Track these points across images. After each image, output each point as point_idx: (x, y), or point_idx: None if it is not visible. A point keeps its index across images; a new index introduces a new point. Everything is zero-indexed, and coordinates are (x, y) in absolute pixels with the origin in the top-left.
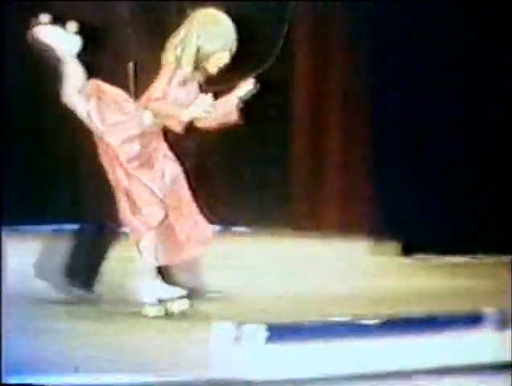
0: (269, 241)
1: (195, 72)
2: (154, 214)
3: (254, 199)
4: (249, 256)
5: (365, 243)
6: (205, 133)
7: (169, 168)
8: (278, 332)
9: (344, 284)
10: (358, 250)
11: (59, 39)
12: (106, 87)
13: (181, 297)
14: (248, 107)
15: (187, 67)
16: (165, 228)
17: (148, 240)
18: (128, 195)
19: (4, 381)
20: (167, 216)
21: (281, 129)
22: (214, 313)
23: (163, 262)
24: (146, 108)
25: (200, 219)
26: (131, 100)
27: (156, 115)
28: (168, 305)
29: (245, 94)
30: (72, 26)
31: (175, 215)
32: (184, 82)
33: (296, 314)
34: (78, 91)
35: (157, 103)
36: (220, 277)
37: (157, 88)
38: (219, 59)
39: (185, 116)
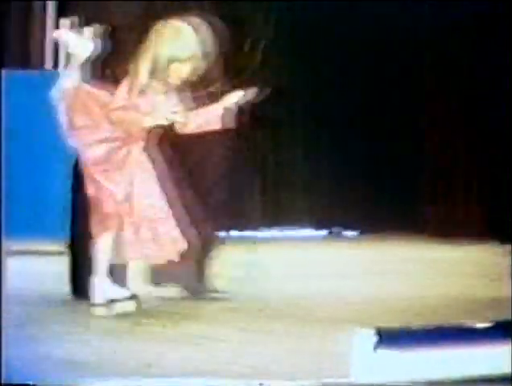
0: (396, 245)
1: (156, 82)
2: (110, 216)
3: (387, 202)
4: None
5: (494, 246)
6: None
7: (140, 174)
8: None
9: (475, 288)
10: (487, 253)
11: (72, 43)
12: (86, 90)
13: (128, 299)
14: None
15: (142, 77)
16: (147, 229)
17: (103, 240)
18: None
19: (4, 381)
20: (122, 218)
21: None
22: (353, 317)
23: (147, 262)
24: (108, 117)
25: (180, 222)
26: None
27: (120, 123)
28: (115, 305)
29: (236, 102)
30: (89, 31)
31: (153, 218)
32: (143, 91)
33: (426, 319)
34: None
35: (118, 111)
36: (358, 283)
37: (118, 97)
38: (177, 70)
39: (147, 122)
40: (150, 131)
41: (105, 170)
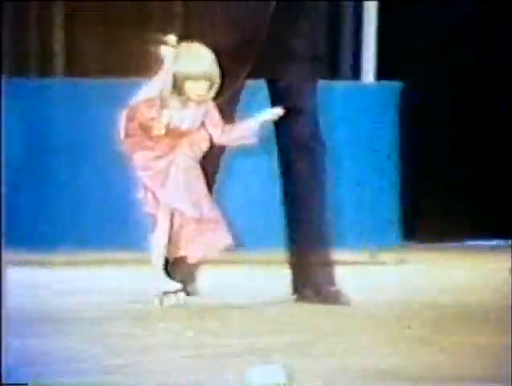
0: None
1: (178, 97)
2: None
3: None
4: None
5: None
6: None
7: (182, 180)
8: None
9: None
10: None
11: (167, 58)
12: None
13: (180, 291)
14: None
15: (166, 93)
16: (193, 228)
17: (156, 236)
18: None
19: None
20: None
21: None
22: None
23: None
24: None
25: (220, 228)
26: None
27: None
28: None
29: (266, 121)
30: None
31: (199, 217)
32: (165, 105)
33: None
34: None
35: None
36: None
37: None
38: (193, 88)
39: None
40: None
41: (152, 175)
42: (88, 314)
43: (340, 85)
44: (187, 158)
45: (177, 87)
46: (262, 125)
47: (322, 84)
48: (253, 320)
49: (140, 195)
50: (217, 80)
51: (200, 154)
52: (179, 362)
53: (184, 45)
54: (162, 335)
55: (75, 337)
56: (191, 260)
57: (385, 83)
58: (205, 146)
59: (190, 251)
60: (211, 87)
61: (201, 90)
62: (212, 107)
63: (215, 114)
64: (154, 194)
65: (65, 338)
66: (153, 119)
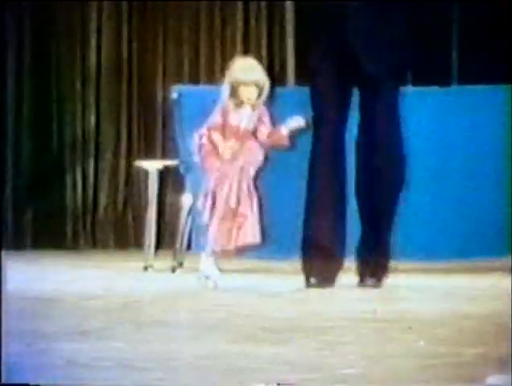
0: None
1: (234, 100)
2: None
3: None
4: None
5: None
6: None
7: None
8: None
9: None
10: None
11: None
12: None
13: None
14: None
15: (224, 96)
16: (231, 223)
17: (211, 229)
18: None
19: (4, 381)
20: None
21: None
22: None
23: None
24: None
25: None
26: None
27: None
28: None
29: (294, 128)
30: None
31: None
32: (226, 110)
33: None
34: None
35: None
36: None
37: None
38: (246, 91)
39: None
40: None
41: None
42: None
43: (436, 90)
44: (246, 166)
45: (232, 92)
46: (292, 131)
47: (425, 89)
48: None
49: (200, 202)
50: (266, 87)
51: (255, 163)
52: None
53: (239, 58)
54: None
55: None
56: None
57: (487, 86)
58: (260, 155)
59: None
60: (260, 93)
61: (251, 94)
62: (264, 110)
63: (266, 117)
64: (214, 196)
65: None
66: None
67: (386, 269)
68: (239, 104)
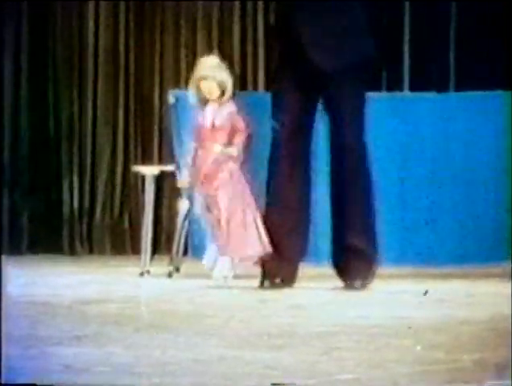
0: None
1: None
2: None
3: None
4: None
5: None
6: None
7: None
8: None
9: None
10: None
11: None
12: None
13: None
14: None
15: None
16: (238, 233)
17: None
18: None
19: (4, 381)
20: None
21: None
22: None
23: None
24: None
25: (253, 237)
26: None
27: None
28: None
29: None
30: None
31: (244, 224)
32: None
33: None
34: None
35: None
36: None
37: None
38: (207, 87)
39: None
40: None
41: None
42: None
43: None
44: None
45: (197, 90)
46: None
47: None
48: None
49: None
50: (229, 85)
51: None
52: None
53: (203, 58)
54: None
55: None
56: None
57: (484, 92)
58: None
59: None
60: (223, 90)
61: (212, 90)
62: (232, 107)
63: (236, 114)
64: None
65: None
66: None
67: (369, 271)
68: (204, 102)
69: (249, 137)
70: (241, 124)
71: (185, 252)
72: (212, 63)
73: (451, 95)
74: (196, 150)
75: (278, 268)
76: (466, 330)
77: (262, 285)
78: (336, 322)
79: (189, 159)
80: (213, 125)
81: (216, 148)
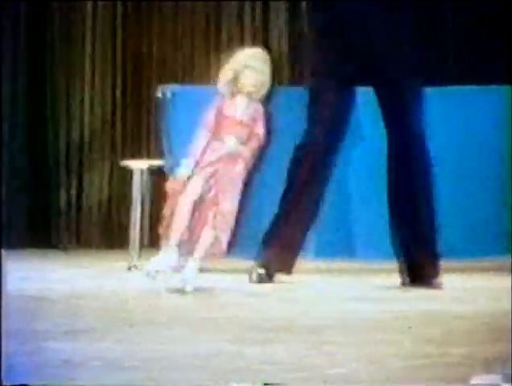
0: None
1: (235, 89)
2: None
3: None
4: None
5: None
6: None
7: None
8: None
9: None
10: None
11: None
12: None
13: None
14: None
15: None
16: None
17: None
18: None
19: (4, 381)
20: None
21: None
22: None
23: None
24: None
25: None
26: None
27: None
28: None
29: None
30: None
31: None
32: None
33: None
34: None
35: None
36: None
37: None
38: (251, 78)
39: None
40: None
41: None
42: None
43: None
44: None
45: (234, 79)
46: None
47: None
48: None
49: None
50: (267, 83)
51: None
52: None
53: (248, 47)
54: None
55: None
56: None
57: (492, 86)
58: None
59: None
60: (261, 86)
61: (256, 82)
62: (260, 108)
63: (260, 117)
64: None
65: None
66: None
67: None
68: (236, 92)
69: (261, 146)
70: (260, 129)
71: None
72: (262, 55)
73: (449, 89)
74: (207, 141)
75: (277, 261)
76: (460, 324)
77: (255, 278)
78: (326, 316)
79: (197, 150)
80: (237, 119)
81: (231, 141)
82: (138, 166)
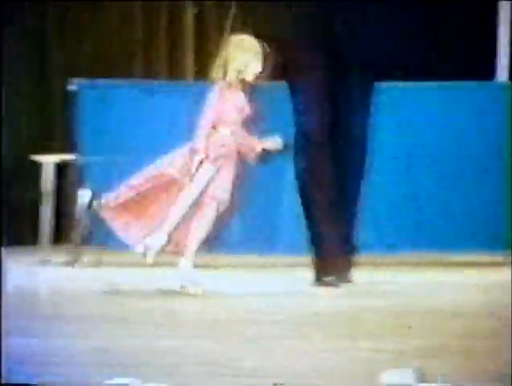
0: None
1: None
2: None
3: None
4: None
5: None
6: None
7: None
8: None
9: None
10: None
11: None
12: None
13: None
14: None
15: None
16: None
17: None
18: None
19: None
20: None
21: None
22: None
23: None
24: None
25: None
26: None
27: None
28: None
29: (270, 149)
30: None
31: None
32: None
33: None
34: None
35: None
36: None
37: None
38: (255, 66)
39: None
40: None
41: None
42: None
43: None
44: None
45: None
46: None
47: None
48: None
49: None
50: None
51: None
52: None
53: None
54: None
55: None
56: None
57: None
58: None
59: None
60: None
61: (258, 70)
62: (250, 99)
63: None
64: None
65: None
66: None
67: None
68: (230, 82)
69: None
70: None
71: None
72: (257, 44)
73: (448, 85)
74: (207, 133)
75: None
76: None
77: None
78: (236, 311)
79: (199, 143)
80: (236, 110)
81: (228, 133)
82: (50, 160)
